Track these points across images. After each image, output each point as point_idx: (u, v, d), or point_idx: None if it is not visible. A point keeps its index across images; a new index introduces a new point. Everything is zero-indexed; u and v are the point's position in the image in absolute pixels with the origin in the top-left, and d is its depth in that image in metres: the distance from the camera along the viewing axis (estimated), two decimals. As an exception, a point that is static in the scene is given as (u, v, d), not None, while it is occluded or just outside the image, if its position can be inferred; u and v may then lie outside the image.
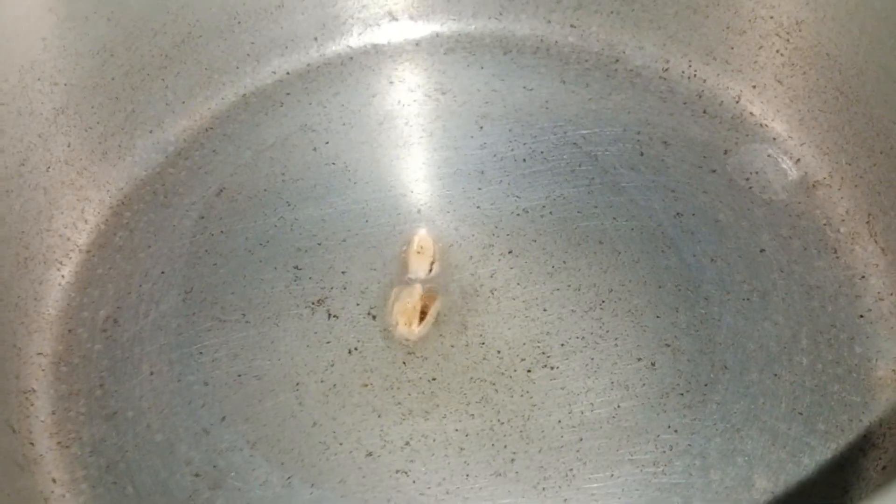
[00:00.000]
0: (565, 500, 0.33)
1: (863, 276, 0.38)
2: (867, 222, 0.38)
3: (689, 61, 0.44)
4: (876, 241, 0.38)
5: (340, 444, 0.35)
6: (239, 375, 0.37)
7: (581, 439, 0.34)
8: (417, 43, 0.48)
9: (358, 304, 0.39)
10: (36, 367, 0.37)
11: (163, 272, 0.40)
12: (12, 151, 0.37)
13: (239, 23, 0.45)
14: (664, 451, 0.34)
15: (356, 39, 0.47)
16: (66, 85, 0.39)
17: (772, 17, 0.40)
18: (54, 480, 0.35)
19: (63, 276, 0.40)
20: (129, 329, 0.39)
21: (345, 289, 0.39)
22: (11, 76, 0.36)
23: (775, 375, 0.35)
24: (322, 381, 0.37)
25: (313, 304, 0.39)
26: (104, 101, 0.41)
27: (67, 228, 0.41)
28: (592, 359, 0.36)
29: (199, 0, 0.43)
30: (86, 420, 0.36)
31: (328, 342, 0.38)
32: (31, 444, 0.35)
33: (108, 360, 0.38)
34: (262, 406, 0.36)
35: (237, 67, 0.45)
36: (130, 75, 0.42)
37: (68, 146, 0.40)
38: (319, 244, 0.41)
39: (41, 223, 0.39)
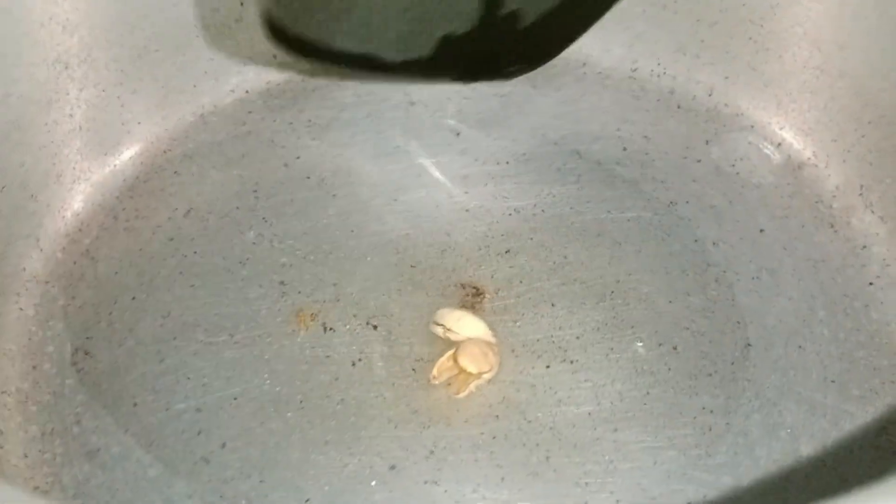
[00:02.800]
0: (612, 492, 0.31)
1: (864, 246, 0.38)
2: (860, 194, 0.38)
3: (658, 59, 0.44)
4: (873, 211, 0.38)
5: (359, 459, 0.32)
6: (235, 399, 0.34)
7: (616, 430, 0.33)
8: (379, 57, 0.46)
9: (355, 316, 0.36)
10: (1, 408, 0.33)
11: (134, 298, 0.37)
12: (-35, 167, 0.33)
13: (197, 37, 0.42)
14: (704, 433, 0.32)
15: (316, 56, 0.46)
16: (19, 97, 0.36)
17: (744, 5, 0.41)
18: (33, 532, 0.30)
19: (21, 309, 0.36)
20: (103, 360, 0.35)
21: (338, 300, 0.37)
22: (-36, 83, 0.33)
23: (800, 347, 0.34)
24: (328, 397, 0.34)
25: (306, 319, 0.36)
26: (58, 118, 0.38)
27: (22, 257, 0.37)
28: (612, 349, 0.35)
29: (159, 12, 0.40)
30: (64, 461, 0.32)
31: (328, 356, 0.35)
32: (6, 490, 0.30)
33: (82, 395, 0.34)
34: (266, 427, 0.33)
35: (195, 86, 0.43)
36: (85, 90, 0.39)
37: (22, 166, 0.36)
38: (304, 258, 0.38)
39: (-4, 250, 0.35)
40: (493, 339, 0.35)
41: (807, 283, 0.37)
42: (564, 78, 0.45)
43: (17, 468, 0.31)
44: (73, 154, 0.39)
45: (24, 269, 0.37)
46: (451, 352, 0.35)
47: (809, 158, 0.41)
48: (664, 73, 0.44)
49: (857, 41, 0.38)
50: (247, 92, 0.44)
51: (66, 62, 0.38)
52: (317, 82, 0.45)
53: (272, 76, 0.45)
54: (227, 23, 0.43)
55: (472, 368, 0.34)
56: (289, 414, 0.33)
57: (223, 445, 0.32)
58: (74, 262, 0.38)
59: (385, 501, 0.31)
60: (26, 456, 0.32)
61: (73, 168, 0.39)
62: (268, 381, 0.34)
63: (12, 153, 0.36)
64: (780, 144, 0.41)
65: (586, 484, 0.31)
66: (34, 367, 0.34)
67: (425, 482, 0.31)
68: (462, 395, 0.34)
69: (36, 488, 0.31)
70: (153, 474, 0.32)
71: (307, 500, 0.31)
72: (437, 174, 0.42)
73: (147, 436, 0.33)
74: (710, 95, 0.43)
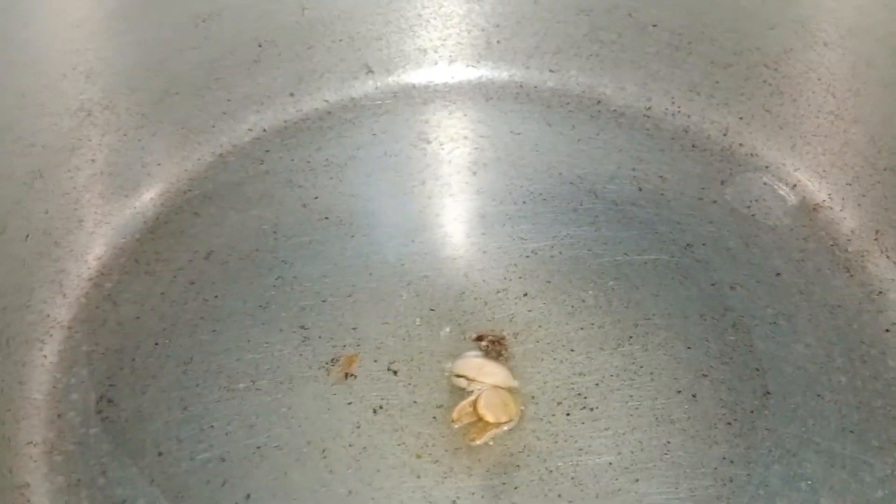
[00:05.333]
0: (634, 545, 0.31)
1: (880, 292, 0.38)
2: (875, 239, 0.39)
3: (672, 98, 0.45)
4: (888, 257, 0.38)
5: (382, 510, 0.32)
6: (258, 448, 0.34)
7: (637, 480, 0.33)
8: (395, 94, 0.47)
9: (375, 361, 0.36)
10: (27, 459, 0.33)
11: (157, 344, 0.37)
12: (-8, 219, 0.34)
13: (216, 79, 0.42)
14: (725, 484, 0.33)
15: (333, 94, 0.46)
16: (42, 147, 0.36)
17: (758, 49, 0.41)
18: (61, 585, 0.31)
19: (45, 356, 0.36)
20: (127, 408, 0.35)
21: (358, 345, 0.37)
22: (-10, 136, 0.33)
23: (819, 396, 0.35)
24: (351, 445, 0.34)
25: (327, 364, 0.36)
26: (80, 164, 0.38)
27: (46, 304, 0.37)
28: (631, 396, 0.35)
29: (178, 55, 0.40)
30: (91, 513, 0.32)
31: (349, 403, 0.35)
32: (34, 545, 0.31)
33: (107, 445, 0.34)
34: (289, 478, 0.33)
35: (213, 126, 0.43)
36: (107, 135, 0.39)
37: (45, 213, 0.37)
38: (324, 301, 0.38)
39: (21, 298, 0.35)
40: (515, 384, 0.35)
41: (824, 329, 0.37)
42: (579, 115, 0.46)
43: (45, 521, 0.32)
44: (95, 198, 0.39)
45: (48, 315, 0.37)
46: (472, 397, 0.35)
47: (825, 201, 0.41)
48: (678, 111, 0.45)
49: (871, 89, 0.38)
50: (264, 131, 0.45)
51: (88, 110, 0.38)
52: (333, 120, 0.45)
53: (289, 115, 0.45)
54: (244, 63, 0.43)
55: (490, 418, 0.34)
56: (312, 464, 0.33)
57: (247, 497, 0.33)
58: (97, 307, 0.38)
59: (409, 554, 0.31)
60: (53, 508, 0.32)
61: (95, 212, 0.39)
62: (290, 430, 0.34)
63: (36, 201, 0.36)
64: (795, 186, 0.42)
65: (608, 536, 0.32)
66: (59, 416, 0.35)
67: (448, 534, 0.32)
68: (478, 442, 0.34)
69: (64, 541, 0.31)
70: (179, 526, 0.32)
71: (332, 553, 0.31)
72: (454, 214, 0.42)
73: (172, 487, 0.33)
74: (724, 135, 0.44)
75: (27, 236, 0.36)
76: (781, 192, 0.42)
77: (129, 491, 0.33)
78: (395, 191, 0.43)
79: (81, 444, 0.34)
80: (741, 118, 0.43)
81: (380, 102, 0.46)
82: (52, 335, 0.37)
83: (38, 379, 0.35)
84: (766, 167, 0.43)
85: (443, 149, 0.44)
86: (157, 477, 0.33)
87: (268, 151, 0.44)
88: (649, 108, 0.45)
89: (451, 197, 0.43)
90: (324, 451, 0.34)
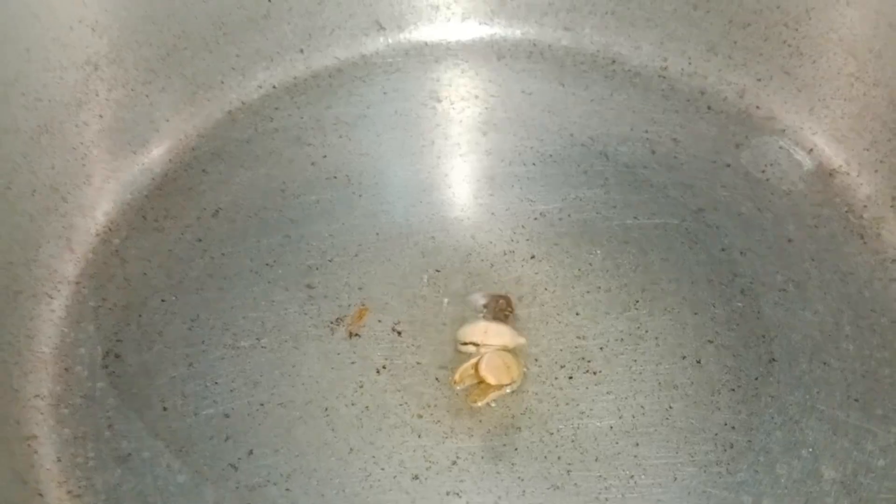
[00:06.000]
0: (631, 509, 0.31)
1: (894, 260, 0.37)
2: (892, 206, 0.38)
3: (689, 59, 0.44)
4: (904, 224, 0.37)
5: (382, 469, 0.33)
6: (262, 404, 0.34)
7: (637, 444, 0.33)
8: (407, 52, 0.46)
9: (380, 321, 0.36)
10: (35, 412, 0.34)
11: (163, 300, 0.37)
12: (-2, 173, 0.34)
13: (224, 34, 0.42)
14: (725, 450, 0.32)
15: (344, 50, 0.45)
16: (49, 101, 0.36)
17: (778, 7, 0.40)
18: (66, 534, 0.31)
19: (53, 311, 0.36)
20: (133, 363, 0.35)
21: (363, 305, 0.37)
22: (-4, 90, 0.33)
23: (825, 364, 0.34)
24: (353, 404, 0.34)
25: (332, 323, 0.36)
26: (88, 119, 0.38)
27: (54, 259, 0.37)
28: (635, 360, 0.35)
29: (186, 9, 0.40)
30: (96, 465, 0.33)
31: (353, 363, 0.35)
32: (40, 494, 0.31)
33: (113, 399, 0.34)
34: (292, 435, 0.33)
35: (222, 82, 0.43)
36: (114, 90, 0.39)
37: (52, 168, 0.37)
38: (331, 261, 0.38)
39: (28, 253, 0.36)
40: (523, 341, 0.35)
41: (834, 296, 0.36)
42: (593, 75, 0.45)
43: (51, 472, 0.32)
44: (103, 154, 0.39)
45: (56, 270, 0.37)
46: (475, 359, 0.35)
47: (841, 166, 0.40)
48: (695, 72, 0.44)
49: (893, 50, 0.37)
50: (274, 87, 0.44)
51: (95, 63, 0.38)
52: (343, 78, 0.45)
53: (299, 71, 0.45)
54: (254, 18, 0.43)
55: (491, 380, 0.34)
56: (314, 421, 0.34)
57: (250, 452, 0.33)
58: (104, 263, 0.38)
59: (408, 512, 0.32)
60: (59, 460, 0.33)
61: (103, 168, 0.39)
62: (293, 388, 0.35)
63: (42, 156, 0.36)
64: (811, 150, 0.41)
65: (606, 500, 0.32)
66: (66, 370, 0.35)
67: (447, 493, 0.32)
68: (479, 404, 0.34)
69: (69, 493, 0.32)
70: (182, 480, 0.32)
71: (332, 510, 0.32)
72: (463, 175, 0.41)
73: (176, 441, 0.33)
74: (741, 97, 0.43)
75: (34, 192, 0.36)
76: (797, 157, 0.41)
77: (133, 444, 0.33)
78: (405, 150, 0.42)
79: (88, 397, 0.34)
80: (759, 80, 0.42)
81: (391, 60, 0.46)
82: (59, 290, 0.37)
83: (46, 333, 0.36)
84: (783, 130, 0.42)
85: (453, 108, 0.44)
86: (162, 431, 0.33)
87: (277, 109, 0.44)
88: (665, 68, 0.44)
89: (461, 157, 0.42)
90: (326, 409, 0.34)
